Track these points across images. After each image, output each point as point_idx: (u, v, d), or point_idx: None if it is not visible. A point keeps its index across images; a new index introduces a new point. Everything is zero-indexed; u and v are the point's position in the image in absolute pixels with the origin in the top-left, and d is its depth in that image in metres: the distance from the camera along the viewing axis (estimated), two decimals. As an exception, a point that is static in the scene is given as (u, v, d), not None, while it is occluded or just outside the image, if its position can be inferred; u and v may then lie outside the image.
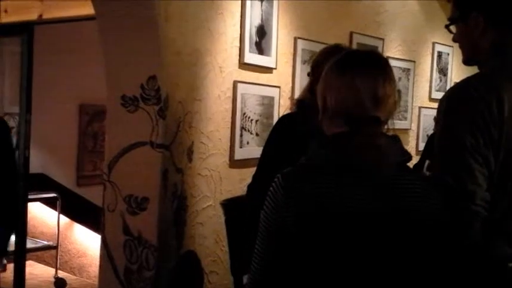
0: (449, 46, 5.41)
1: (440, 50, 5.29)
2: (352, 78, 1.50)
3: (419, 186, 1.51)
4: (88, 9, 3.27)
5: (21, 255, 4.45)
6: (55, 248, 5.35)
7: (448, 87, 5.37)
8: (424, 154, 3.09)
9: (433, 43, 5.22)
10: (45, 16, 4.02)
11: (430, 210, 1.49)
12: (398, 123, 4.47)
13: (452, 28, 2.06)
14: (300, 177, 1.47)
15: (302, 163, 1.52)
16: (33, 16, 4.08)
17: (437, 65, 5.29)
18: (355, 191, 1.45)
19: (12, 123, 4.28)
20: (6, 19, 4.29)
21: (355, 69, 1.52)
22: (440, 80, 5.33)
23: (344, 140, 1.48)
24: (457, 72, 5.48)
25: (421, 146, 4.73)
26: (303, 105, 2.58)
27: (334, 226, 1.43)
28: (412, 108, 4.94)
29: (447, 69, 5.39)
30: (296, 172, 1.50)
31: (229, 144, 3.21)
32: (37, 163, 5.47)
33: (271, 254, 1.49)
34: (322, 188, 1.44)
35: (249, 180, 3.36)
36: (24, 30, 4.23)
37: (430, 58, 5.23)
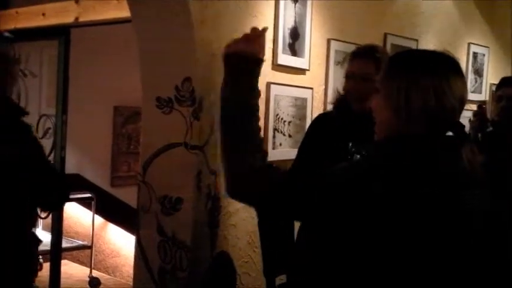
0: (485, 47, 5.34)
1: (475, 50, 5.22)
2: (447, 79, 1.44)
3: None
4: (124, 12, 3.31)
5: (56, 255, 4.52)
6: (90, 247, 5.41)
7: (483, 88, 5.30)
8: None
9: (469, 44, 5.15)
10: (82, 19, 4.08)
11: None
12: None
13: None
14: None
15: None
16: (70, 19, 4.14)
17: (473, 66, 5.21)
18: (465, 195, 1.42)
19: (48, 124, 4.35)
20: (44, 22, 4.37)
21: (449, 71, 1.46)
22: (476, 81, 5.25)
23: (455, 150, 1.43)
24: (493, 73, 5.40)
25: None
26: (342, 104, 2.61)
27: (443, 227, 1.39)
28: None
29: (483, 70, 5.31)
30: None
31: (262, 145, 3.21)
32: (72, 164, 5.55)
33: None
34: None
35: (282, 181, 3.37)
36: (61, 33, 4.30)
37: (466, 59, 5.16)
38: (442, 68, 1.46)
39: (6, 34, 2.30)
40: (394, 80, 1.47)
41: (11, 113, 2.38)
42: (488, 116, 3.20)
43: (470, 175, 1.43)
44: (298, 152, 2.89)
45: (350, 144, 2.51)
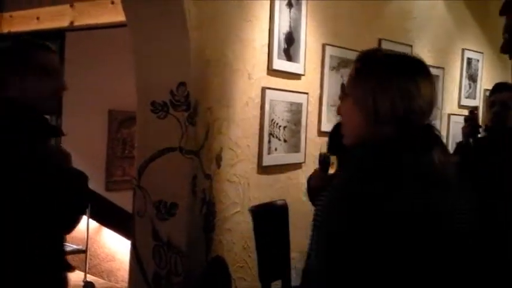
0: (479, 52, 5.36)
1: (469, 56, 5.24)
2: (415, 82, 1.44)
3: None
4: (119, 16, 3.31)
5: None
6: (84, 252, 5.39)
7: (477, 94, 5.32)
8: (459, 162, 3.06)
9: (463, 49, 5.18)
10: (77, 23, 4.08)
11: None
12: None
13: None
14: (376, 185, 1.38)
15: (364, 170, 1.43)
16: (65, 23, 4.14)
17: (467, 72, 5.23)
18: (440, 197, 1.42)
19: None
20: (39, 26, 4.37)
21: (417, 74, 1.46)
22: (470, 87, 5.28)
23: (425, 150, 1.42)
24: (487, 78, 5.43)
25: (450, 153, 4.69)
26: None
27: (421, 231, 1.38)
28: (441, 116, 4.90)
29: (477, 75, 5.34)
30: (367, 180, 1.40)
31: (257, 150, 3.22)
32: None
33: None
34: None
35: (277, 186, 3.38)
36: (56, 37, 4.30)
37: (460, 65, 5.18)
38: (410, 70, 1.47)
39: (49, 44, 2.16)
40: (361, 84, 1.46)
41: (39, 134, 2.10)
42: (481, 121, 3.22)
43: (441, 176, 1.42)
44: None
45: None
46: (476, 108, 3.15)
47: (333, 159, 2.69)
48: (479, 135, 3.12)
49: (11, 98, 1.96)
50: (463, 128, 3.13)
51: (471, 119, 3.11)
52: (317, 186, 2.63)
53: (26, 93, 1.97)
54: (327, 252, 1.39)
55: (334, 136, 2.74)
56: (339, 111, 1.54)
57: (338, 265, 1.38)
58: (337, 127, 2.94)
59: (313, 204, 2.12)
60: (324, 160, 2.70)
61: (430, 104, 1.46)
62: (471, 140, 3.06)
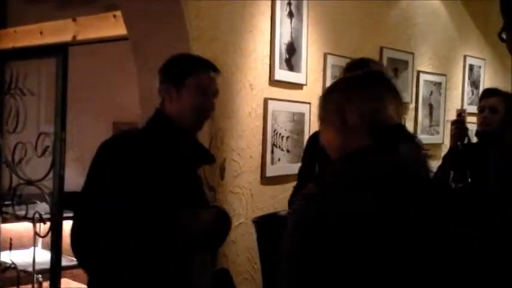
0: (481, 59, 5.36)
1: (472, 62, 5.25)
2: (380, 94, 1.50)
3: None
4: (121, 30, 3.33)
5: (56, 273, 4.50)
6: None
7: (480, 100, 5.32)
8: (448, 165, 3.06)
9: (465, 56, 5.18)
10: (79, 37, 4.10)
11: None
12: (430, 138, 4.48)
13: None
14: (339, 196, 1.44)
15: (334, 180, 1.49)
16: (67, 37, 4.16)
17: (469, 78, 5.24)
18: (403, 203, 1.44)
19: (47, 141, 4.35)
20: (42, 40, 4.39)
21: (382, 86, 1.53)
22: (472, 93, 5.27)
23: (393, 150, 1.46)
24: (489, 84, 5.41)
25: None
26: None
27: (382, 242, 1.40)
28: (444, 122, 4.89)
29: (479, 82, 5.34)
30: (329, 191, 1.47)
31: (260, 161, 3.22)
32: (72, 181, 5.54)
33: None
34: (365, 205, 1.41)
35: (281, 196, 3.38)
36: (59, 51, 4.31)
37: (462, 71, 5.18)
38: (373, 84, 1.54)
39: (215, 65, 2.20)
40: (330, 103, 1.54)
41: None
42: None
43: (410, 174, 1.46)
44: (299, 172, 2.90)
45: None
46: (463, 111, 3.18)
47: None
48: (469, 140, 3.15)
49: (164, 114, 2.06)
50: (451, 131, 3.15)
51: (459, 121, 3.14)
52: None
53: (179, 107, 2.04)
54: (288, 272, 1.46)
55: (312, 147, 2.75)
56: (321, 139, 1.60)
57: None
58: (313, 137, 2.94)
59: None
60: None
61: (396, 111, 1.51)
62: (459, 144, 3.08)
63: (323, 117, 1.57)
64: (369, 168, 1.45)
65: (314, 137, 2.95)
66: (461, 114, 3.15)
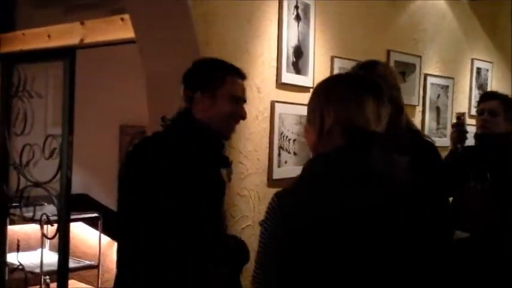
0: (489, 62, 5.36)
1: (479, 66, 5.24)
2: (359, 96, 1.55)
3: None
4: (129, 33, 3.34)
5: (63, 275, 4.52)
6: (97, 267, 5.41)
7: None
8: (449, 168, 3.05)
9: (472, 59, 5.17)
10: (87, 40, 4.11)
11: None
12: (437, 141, 4.45)
13: None
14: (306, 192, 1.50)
15: (308, 176, 1.54)
16: (75, 40, 4.18)
17: (477, 81, 5.23)
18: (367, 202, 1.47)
19: (55, 144, 4.37)
20: (50, 44, 4.41)
21: (359, 90, 1.57)
22: (480, 96, 5.26)
23: (362, 152, 1.50)
24: (497, 88, 5.40)
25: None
26: None
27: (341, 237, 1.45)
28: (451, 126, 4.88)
29: (487, 85, 5.33)
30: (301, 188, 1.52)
31: (267, 163, 3.23)
32: (79, 183, 5.57)
33: (274, 274, 1.50)
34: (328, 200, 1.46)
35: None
36: (66, 54, 4.33)
37: (469, 74, 5.17)
38: (352, 87, 1.58)
39: (243, 72, 2.24)
40: (312, 104, 1.62)
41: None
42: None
43: (376, 176, 1.49)
44: None
45: None
46: (463, 114, 3.21)
47: None
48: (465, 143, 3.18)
49: (197, 120, 2.05)
50: (451, 134, 3.17)
51: (459, 124, 3.15)
52: None
53: (211, 114, 2.06)
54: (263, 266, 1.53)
55: None
56: (305, 137, 1.69)
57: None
58: None
59: None
60: None
61: (378, 114, 1.56)
62: (459, 146, 3.10)
63: (307, 116, 1.64)
64: (332, 168, 1.50)
65: None
66: (460, 118, 3.18)
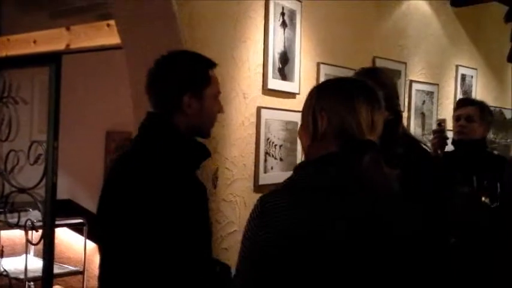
0: (473, 69, 5.41)
1: (464, 72, 5.28)
2: (351, 102, 1.54)
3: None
4: (115, 39, 3.34)
5: (48, 281, 4.48)
6: (82, 273, 5.38)
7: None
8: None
9: (457, 66, 5.22)
10: (73, 46, 4.11)
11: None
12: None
13: None
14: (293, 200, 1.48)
15: (291, 184, 1.53)
16: (61, 46, 4.17)
17: (461, 88, 5.27)
18: (348, 212, 1.46)
19: (40, 150, 4.34)
20: (35, 49, 4.39)
21: (354, 95, 1.56)
22: (465, 103, 5.30)
23: (351, 160, 1.48)
24: (481, 94, 5.46)
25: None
26: None
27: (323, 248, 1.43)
28: (432, 132, 4.92)
29: (471, 91, 5.37)
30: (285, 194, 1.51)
31: (253, 169, 3.23)
32: (64, 189, 5.54)
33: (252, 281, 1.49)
34: (309, 209, 1.44)
35: (273, 205, 3.38)
36: (52, 60, 4.31)
37: (454, 81, 5.22)
38: (347, 93, 1.57)
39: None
40: (306, 108, 1.61)
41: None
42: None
43: (365, 184, 1.48)
44: None
45: None
46: (443, 120, 3.27)
47: None
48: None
49: (176, 126, 1.88)
50: (432, 140, 3.21)
51: (439, 131, 3.20)
52: None
53: (201, 118, 1.92)
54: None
55: None
56: (299, 138, 1.68)
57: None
58: None
59: None
60: None
61: (372, 121, 1.55)
62: (439, 152, 3.14)
63: (301, 118, 1.63)
64: (318, 176, 1.49)
65: None
66: (441, 124, 3.24)
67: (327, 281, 1.43)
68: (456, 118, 3.23)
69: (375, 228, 1.46)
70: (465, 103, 3.29)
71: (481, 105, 3.25)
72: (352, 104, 1.53)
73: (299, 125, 1.67)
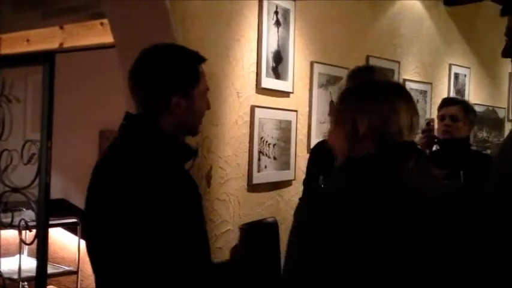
0: (466, 67, 5.42)
1: (457, 71, 5.30)
2: (392, 105, 1.52)
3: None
4: (108, 38, 3.33)
5: (42, 281, 4.48)
6: (76, 273, 5.37)
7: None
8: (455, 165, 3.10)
9: (450, 65, 5.23)
10: (66, 45, 4.10)
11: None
12: (415, 146, 4.38)
13: None
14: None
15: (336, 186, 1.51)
16: (54, 45, 4.16)
17: (455, 87, 5.29)
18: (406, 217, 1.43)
19: (33, 149, 4.33)
20: (29, 48, 4.38)
21: (394, 97, 1.55)
22: (458, 102, 5.32)
23: (396, 164, 1.47)
24: (474, 93, 5.48)
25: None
26: None
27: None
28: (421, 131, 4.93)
29: (464, 90, 5.39)
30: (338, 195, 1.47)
31: (247, 168, 3.24)
32: (58, 189, 5.53)
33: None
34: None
35: (267, 203, 3.39)
36: (45, 59, 4.30)
37: (447, 80, 5.23)
38: (387, 95, 1.56)
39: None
40: (343, 110, 1.58)
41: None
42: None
43: (409, 187, 1.46)
44: (304, 183, 2.98)
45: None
46: (432, 119, 3.29)
47: None
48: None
49: (160, 126, 1.77)
50: (420, 140, 3.23)
51: (428, 130, 3.22)
52: None
53: (189, 117, 1.80)
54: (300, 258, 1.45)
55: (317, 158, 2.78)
56: (329, 139, 1.63)
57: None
58: (317, 148, 3.00)
59: None
60: None
61: (411, 123, 1.54)
62: (427, 151, 3.18)
63: (335, 120, 1.60)
64: (364, 178, 1.47)
65: (318, 147, 3.00)
66: (430, 123, 3.25)
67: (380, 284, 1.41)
68: (441, 118, 3.26)
69: (424, 232, 1.44)
70: (449, 103, 3.33)
71: (464, 105, 3.29)
72: (393, 105, 1.52)
73: (328, 129, 1.64)
